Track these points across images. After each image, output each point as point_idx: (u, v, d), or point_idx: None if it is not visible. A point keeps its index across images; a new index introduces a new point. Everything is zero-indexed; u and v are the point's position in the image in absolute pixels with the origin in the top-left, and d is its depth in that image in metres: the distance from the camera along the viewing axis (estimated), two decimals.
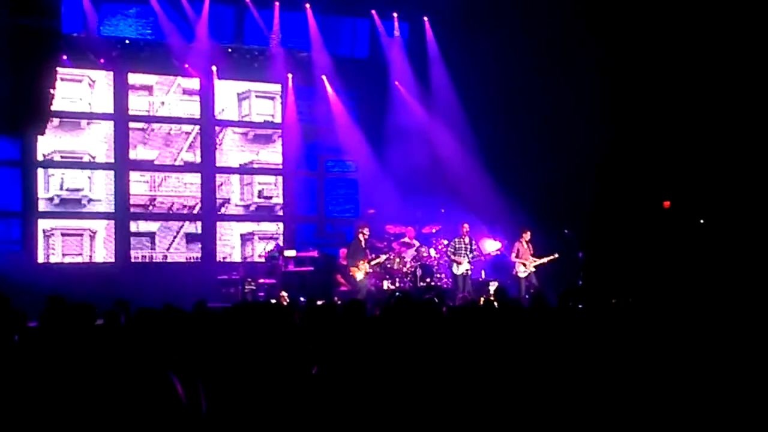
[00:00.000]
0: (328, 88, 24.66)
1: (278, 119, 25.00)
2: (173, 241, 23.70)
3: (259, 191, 24.74)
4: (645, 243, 21.50)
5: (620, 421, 6.79)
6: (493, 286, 20.92)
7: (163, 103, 23.68)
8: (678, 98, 20.60)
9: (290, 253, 22.38)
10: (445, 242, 21.78)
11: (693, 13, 20.40)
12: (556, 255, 20.93)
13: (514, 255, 21.12)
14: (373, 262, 20.68)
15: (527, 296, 19.22)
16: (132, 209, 23.33)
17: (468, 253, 20.77)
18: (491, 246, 22.47)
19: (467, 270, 20.81)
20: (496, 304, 11.54)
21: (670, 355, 7.77)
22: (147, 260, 23.35)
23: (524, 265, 20.92)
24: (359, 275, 20.37)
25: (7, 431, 6.52)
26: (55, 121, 21.86)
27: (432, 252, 22.47)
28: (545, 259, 20.97)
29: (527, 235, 21.12)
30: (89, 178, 22.88)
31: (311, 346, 8.17)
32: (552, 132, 21.95)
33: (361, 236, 20.63)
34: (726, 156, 20.72)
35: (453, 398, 7.06)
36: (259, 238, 24.54)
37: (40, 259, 22.15)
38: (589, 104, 20.87)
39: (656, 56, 20.89)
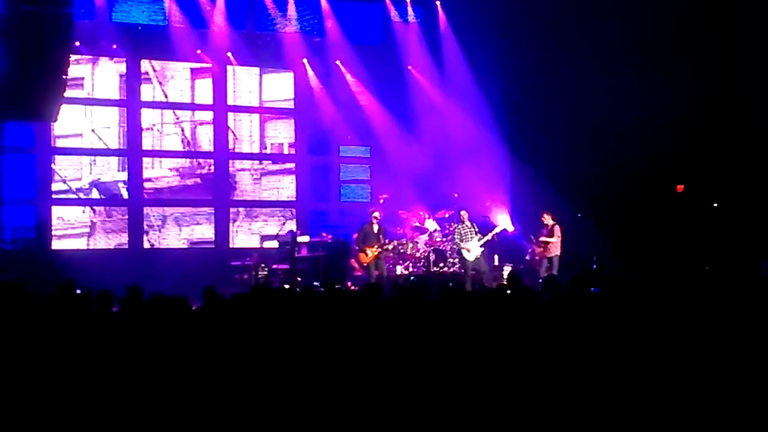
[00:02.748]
0: (345, 74, 24.64)
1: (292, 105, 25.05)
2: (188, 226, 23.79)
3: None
4: (659, 226, 21.45)
5: (630, 406, 6.79)
6: (506, 271, 20.89)
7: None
8: (693, 79, 20.50)
9: (303, 238, 22.39)
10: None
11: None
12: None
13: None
14: (384, 248, 20.59)
15: (541, 281, 19.10)
16: (145, 189, 23.41)
17: (474, 235, 20.60)
18: (505, 222, 22.29)
19: (480, 253, 20.64)
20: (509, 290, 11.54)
21: (683, 340, 7.76)
22: (160, 246, 23.38)
23: (540, 247, 20.67)
24: (367, 260, 20.34)
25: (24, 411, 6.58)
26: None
27: (437, 236, 22.46)
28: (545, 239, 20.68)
29: (545, 218, 20.78)
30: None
31: (329, 330, 8.20)
32: (571, 112, 21.87)
33: (373, 221, 20.58)
34: (739, 139, 20.71)
35: (463, 381, 7.07)
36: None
37: (54, 245, 22.19)
38: (608, 81, 20.83)
39: (671, 34, 20.79)
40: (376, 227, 20.46)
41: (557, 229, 20.54)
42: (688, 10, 20.41)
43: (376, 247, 20.29)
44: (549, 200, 21.44)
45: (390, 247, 20.80)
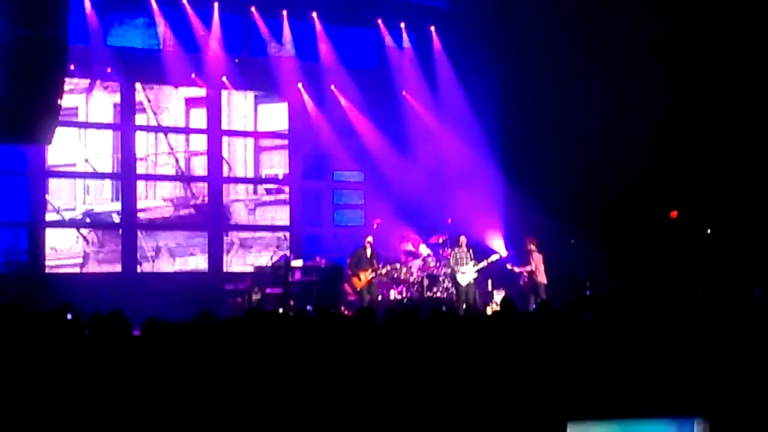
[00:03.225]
0: (340, 98, 24.65)
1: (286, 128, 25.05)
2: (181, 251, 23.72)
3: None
4: (653, 253, 21.46)
5: None
6: (498, 296, 20.90)
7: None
8: (687, 105, 20.56)
9: (297, 262, 22.40)
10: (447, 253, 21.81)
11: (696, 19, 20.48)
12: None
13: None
14: (377, 272, 20.67)
15: (534, 306, 19.20)
16: (138, 219, 23.30)
17: (470, 260, 20.72)
18: (498, 247, 22.40)
19: (473, 279, 20.75)
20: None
21: (678, 364, 7.77)
22: (154, 270, 23.29)
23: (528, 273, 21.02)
24: (361, 284, 20.40)
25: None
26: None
27: (430, 261, 22.41)
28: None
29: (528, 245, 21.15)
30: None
31: (322, 354, 8.19)
32: (566, 135, 21.86)
33: (366, 245, 20.66)
34: (733, 165, 20.74)
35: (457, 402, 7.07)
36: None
37: (48, 269, 22.11)
38: (604, 104, 20.87)
39: (665, 57, 20.83)
40: (369, 251, 20.56)
41: (533, 257, 20.79)
42: (684, 35, 20.48)
43: (369, 271, 20.36)
44: (544, 224, 21.49)
45: (383, 271, 20.87)
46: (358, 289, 20.51)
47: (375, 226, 22.88)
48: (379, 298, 20.81)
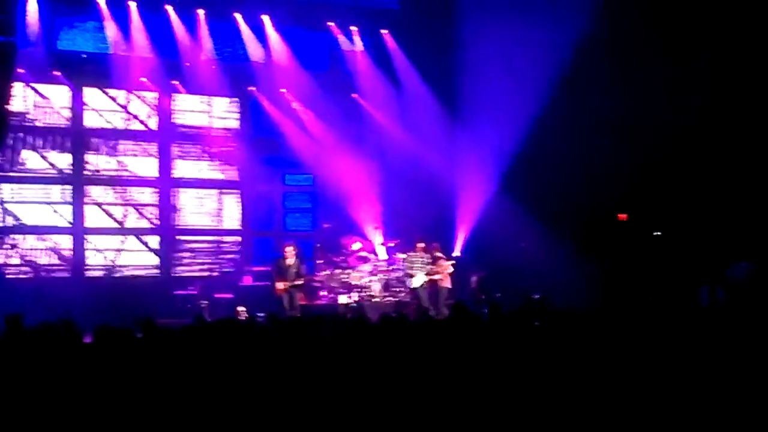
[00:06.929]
0: (291, 101, 24.60)
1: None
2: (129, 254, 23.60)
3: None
4: (602, 255, 21.62)
5: None
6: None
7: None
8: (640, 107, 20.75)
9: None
10: (403, 256, 21.78)
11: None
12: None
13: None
14: (293, 283, 20.39)
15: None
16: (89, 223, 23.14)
17: (424, 266, 20.78)
18: (457, 249, 22.60)
19: (424, 282, 20.81)
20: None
21: (624, 368, 7.88)
22: (103, 275, 23.15)
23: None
24: (279, 292, 20.14)
25: None
26: None
27: (381, 266, 22.41)
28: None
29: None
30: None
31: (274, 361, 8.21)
32: (522, 138, 21.98)
33: (286, 255, 20.41)
34: (682, 169, 20.97)
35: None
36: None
37: None
38: (556, 107, 21.04)
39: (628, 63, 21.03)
40: (290, 261, 20.25)
41: (440, 263, 21.08)
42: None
43: (285, 282, 20.11)
44: (503, 226, 21.63)
45: (299, 283, 20.48)
46: (278, 296, 20.27)
47: (324, 230, 22.97)
48: (295, 305, 20.47)
